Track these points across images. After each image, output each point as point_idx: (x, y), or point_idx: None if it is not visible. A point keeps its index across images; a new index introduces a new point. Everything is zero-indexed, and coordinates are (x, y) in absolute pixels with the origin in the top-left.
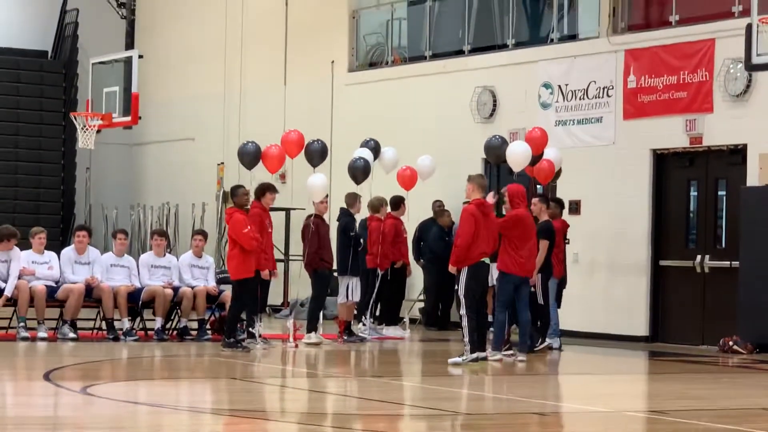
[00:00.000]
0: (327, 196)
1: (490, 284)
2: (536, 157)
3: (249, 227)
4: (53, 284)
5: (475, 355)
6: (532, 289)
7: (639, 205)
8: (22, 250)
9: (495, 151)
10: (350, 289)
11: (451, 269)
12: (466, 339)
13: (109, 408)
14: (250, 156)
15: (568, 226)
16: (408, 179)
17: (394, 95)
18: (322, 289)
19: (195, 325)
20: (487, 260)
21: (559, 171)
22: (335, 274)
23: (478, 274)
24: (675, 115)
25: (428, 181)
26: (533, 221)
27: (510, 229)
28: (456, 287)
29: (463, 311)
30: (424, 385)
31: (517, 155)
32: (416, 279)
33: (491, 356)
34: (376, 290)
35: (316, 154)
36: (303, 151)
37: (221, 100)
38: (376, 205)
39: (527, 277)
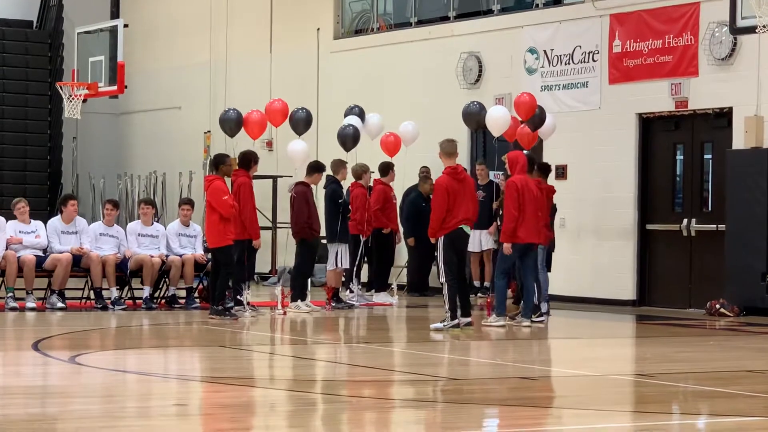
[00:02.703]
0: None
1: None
2: (538, 120)
3: (228, 195)
4: (41, 254)
5: (455, 322)
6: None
7: (625, 170)
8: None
9: (474, 118)
10: (339, 256)
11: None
12: (447, 306)
13: (98, 377)
14: (231, 123)
15: (554, 191)
16: (392, 145)
17: (379, 62)
18: (307, 259)
19: (183, 293)
20: (467, 229)
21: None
22: (323, 241)
23: (454, 243)
24: (660, 79)
25: (415, 148)
26: (536, 187)
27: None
28: (435, 254)
29: (443, 279)
30: (412, 351)
31: (497, 120)
32: (404, 245)
33: (494, 321)
34: (359, 256)
35: (301, 123)
36: (288, 119)
37: (207, 69)
38: (358, 172)
39: (531, 244)
